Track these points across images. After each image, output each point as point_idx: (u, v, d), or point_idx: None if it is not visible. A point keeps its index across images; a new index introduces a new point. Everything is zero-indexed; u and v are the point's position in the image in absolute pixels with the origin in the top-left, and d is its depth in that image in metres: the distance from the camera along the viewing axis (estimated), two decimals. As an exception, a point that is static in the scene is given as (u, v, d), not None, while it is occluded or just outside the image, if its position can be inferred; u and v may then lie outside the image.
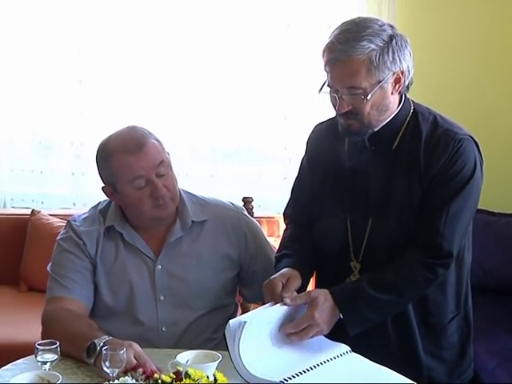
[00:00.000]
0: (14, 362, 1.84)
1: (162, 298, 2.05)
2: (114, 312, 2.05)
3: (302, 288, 1.88)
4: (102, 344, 1.74)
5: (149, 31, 3.84)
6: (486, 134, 2.48)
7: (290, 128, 3.84)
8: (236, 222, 2.16)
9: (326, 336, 1.82)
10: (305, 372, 1.70)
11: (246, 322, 1.69)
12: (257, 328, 1.73)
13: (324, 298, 1.79)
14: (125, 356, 1.65)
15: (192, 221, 2.09)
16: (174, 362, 1.69)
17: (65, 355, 1.78)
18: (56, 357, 1.71)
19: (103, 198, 2.15)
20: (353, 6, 3.65)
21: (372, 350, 1.79)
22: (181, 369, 1.60)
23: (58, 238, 2.13)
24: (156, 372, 1.61)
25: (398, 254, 1.85)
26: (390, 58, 1.78)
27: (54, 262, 2.09)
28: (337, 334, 1.81)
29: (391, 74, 1.80)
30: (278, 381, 1.64)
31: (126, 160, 1.98)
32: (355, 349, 1.81)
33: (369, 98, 1.79)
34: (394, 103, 1.88)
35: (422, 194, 1.85)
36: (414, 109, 1.92)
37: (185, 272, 2.06)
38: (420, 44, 2.55)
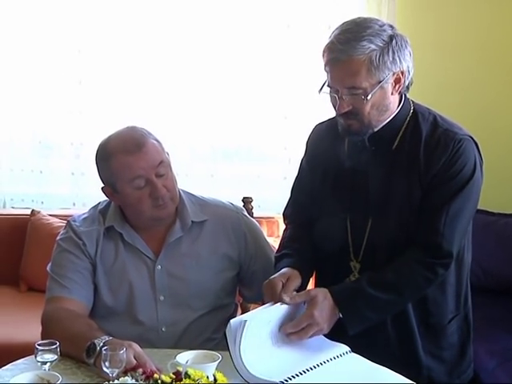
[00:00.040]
0: (13, 362, 1.84)
1: (161, 298, 2.05)
2: (113, 312, 2.05)
3: (302, 288, 1.88)
4: (101, 344, 1.74)
5: (149, 31, 3.84)
6: (485, 134, 2.49)
7: (289, 128, 3.84)
8: (236, 222, 2.16)
9: (326, 336, 1.82)
10: (305, 372, 1.70)
11: (246, 321, 1.69)
12: (257, 327, 1.73)
13: (323, 296, 1.79)
14: (124, 356, 1.65)
15: (192, 221, 2.09)
16: (173, 362, 1.69)
17: (64, 355, 1.78)
18: (56, 357, 1.71)
19: (103, 198, 2.14)
20: (353, 6, 3.65)
21: (372, 350, 1.79)
22: (181, 369, 1.60)
23: (58, 238, 2.13)
24: (156, 372, 1.61)
25: (398, 254, 1.85)
26: (390, 58, 1.78)
27: (54, 262, 2.09)
28: (336, 333, 1.81)
29: (391, 74, 1.80)
30: (278, 381, 1.64)
31: (126, 160, 1.98)
32: (355, 349, 1.81)
33: (369, 98, 1.79)
34: (394, 103, 1.88)
35: (421, 194, 1.85)
36: (413, 109, 1.92)
37: (184, 272, 2.06)
38: (420, 44, 2.55)
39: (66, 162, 4.04)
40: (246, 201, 2.81)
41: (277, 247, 2.08)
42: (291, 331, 1.76)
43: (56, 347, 1.71)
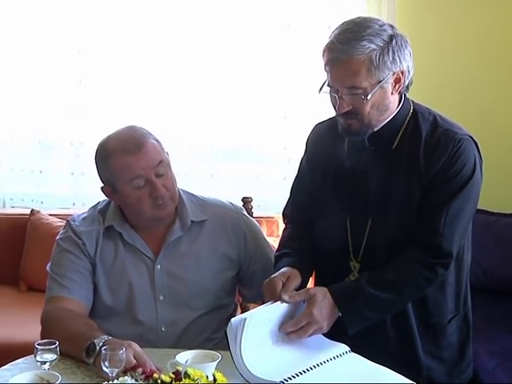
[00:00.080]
0: (13, 362, 1.84)
1: (161, 297, 2.05)
2: (113, 312, 2.05)
3: (302, 287, 1.87)
4: (101, 344, 1.74)
5: (149, 31, 3.84)
6: (485, 134, 2.49)
7: (289, 128, 3.84)
8: (235, 221, 2.16)
9: (325, 335, 1.82)
10: (305, 372, 1.70)
11: (246, 319, 1.69)
12: (258, 326, 1.73)
13: (322, 295, 1.79)
14: (124, 356, 1.65)
15: (191, 221, 2.09)
16: (173, 361, 1.69)
17: (64, 355, 1.78)
18: (55, 356, 1.70)
19: (102, 197, 2.14)
20: (353, 6, 3.65)
21: (371, 350, 1.79)
22: (180, 369, 1.60)
23: (58, 237, 2.13)
24: (155, 372, 1.61)
25: (398, 254, 1.85)
26: (390, 58, 1.78)
27: (54, 262, 2.09)
28: (336, 333, 1.81)
29: (391, 73, 1.80)
30: (278, 381, 1.64)
31: (125, 160, 1.98)
32: (354, 348, 1.81)
33: (369, 97, 1.78)
34: (393, 103, 1.88)
35: (421, 193, 1.85)
36: (413, 109, 1.92)
37: (184, 272, 2.06)
38: (420, 44, 2.54)
39: (66, 161, 4.04)
40: (246, 201, 2.81)
41: (276, 247, 2.08)
42: (291, 330, 1.76)
43: (56, 347, 1.71)
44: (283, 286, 1.82)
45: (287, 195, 2.15)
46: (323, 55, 1.81)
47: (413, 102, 1.94)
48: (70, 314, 1.95)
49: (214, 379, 1.58)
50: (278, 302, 1.79)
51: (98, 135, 2.20)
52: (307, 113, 3.66)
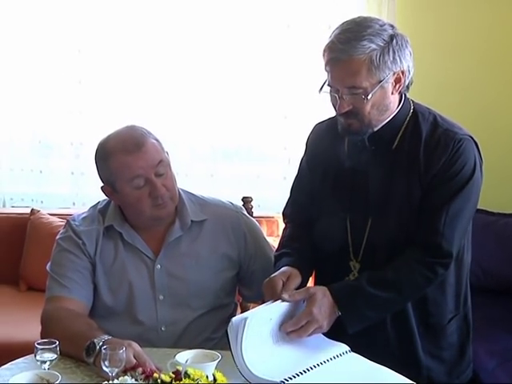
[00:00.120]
0: (13, 362, 1.84)
1: (161, 297, 2.05)
2: (113, 312, 2.05)
3: (302, 287, 1.87)
4: (101, 343, 1.74)
5: (149, 31, 3.84)
6: (486, 134, 2.49)
7: (289, 128, 3.84)
8: (235, 221, 2.16)
9: (325, 334, 1.82)
10: (305, 372, 1.70)
11: (247, 318, 1.69)
12: (258, 325, 1.73)
13: (322, 294, 1.79)
14: (124, 355, 1.65)
15: (191, 220, 2.09)
16: (173, 361, 1.69)
17: (64, 354, 1.78)
18: (55, 356, 1.70)
19: (102, 197, 2.14)
20: (353, 6, 3.66)
21: (371, 350, 1.79)
22: (180, 368, 1.60)
23: (58, 237, 2.13)
24: (155, 371, 1.61)
25: (398, 254, 1.85)
26: (391, 58, 1.78)
27: (54, 262, 2.09)
28: (336, 332, 1.81)
29: (392, 73, 1.80)
30: (278, 381, 1.64)
31: (125, 159, 1.98)
32: (354, 348, 1.81)
33: (369, 97, 1.78)
34: (394, 103, 1.88)
35: (421, 193, 1.85)
36: (413, 109, 1.92)
37: (184, 272, 2.06)
38: (420, 44, 2.54)
39: (66, 161, 4.04)
40: (246, 200, 2.82)
41: (276, 247, 2.08)
42: (291, 329, 1.76)
43: (55, 346, 1.71)
44: (283, 285, 1.82)
45: (287, 195, 2.15)
46: (323, 55, 1.81)
47: (413, 101, 1.94)
48: (69, 314, 1.95)
49: (214, 379, 1.58)
50: (278, 301, 1.78)
51: (97, 135, 2.20)
52: (307, 113, 3.66)
